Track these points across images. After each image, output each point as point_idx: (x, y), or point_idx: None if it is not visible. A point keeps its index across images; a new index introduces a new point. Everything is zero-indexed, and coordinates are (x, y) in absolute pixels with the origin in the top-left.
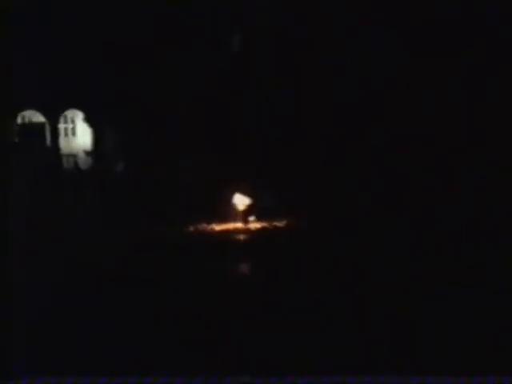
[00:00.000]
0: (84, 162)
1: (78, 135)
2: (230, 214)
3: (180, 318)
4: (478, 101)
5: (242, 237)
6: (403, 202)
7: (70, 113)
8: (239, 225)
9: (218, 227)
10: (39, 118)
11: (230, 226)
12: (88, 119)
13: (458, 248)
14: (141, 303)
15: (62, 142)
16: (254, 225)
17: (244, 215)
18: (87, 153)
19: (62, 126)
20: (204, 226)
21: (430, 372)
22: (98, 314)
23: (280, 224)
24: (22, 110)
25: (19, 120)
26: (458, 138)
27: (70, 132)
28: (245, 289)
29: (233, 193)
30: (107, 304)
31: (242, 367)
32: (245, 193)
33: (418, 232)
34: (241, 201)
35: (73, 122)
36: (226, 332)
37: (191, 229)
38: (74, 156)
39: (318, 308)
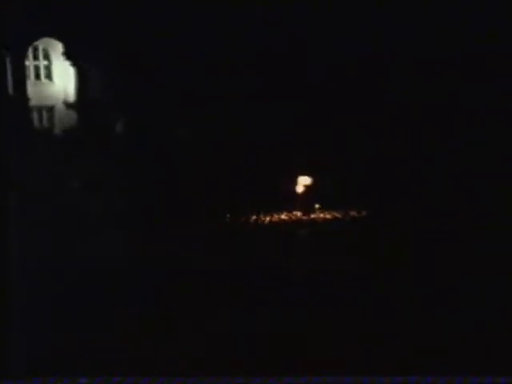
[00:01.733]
0: (64, 118)
1: (56, 78)
2: (286, 200)
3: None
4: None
5: (304, 232)
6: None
7: (42, 43)
8: (299, 214)
9: (268, 218)
10: None
11: (287, 216)
12: (70, 54)
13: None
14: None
15: (32, 89)
16: (320, 214)
17: (304, 200)
18: (69, 105)
19: (30, 63)
20: (247, 217)
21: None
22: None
23: (357, 214)
24: None
25: None
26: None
27: (42, 73)
28: None
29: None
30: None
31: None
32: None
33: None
34: (300, 180)
35: (47, 57)
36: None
37: (228, 220)
38: (49, 109)
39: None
